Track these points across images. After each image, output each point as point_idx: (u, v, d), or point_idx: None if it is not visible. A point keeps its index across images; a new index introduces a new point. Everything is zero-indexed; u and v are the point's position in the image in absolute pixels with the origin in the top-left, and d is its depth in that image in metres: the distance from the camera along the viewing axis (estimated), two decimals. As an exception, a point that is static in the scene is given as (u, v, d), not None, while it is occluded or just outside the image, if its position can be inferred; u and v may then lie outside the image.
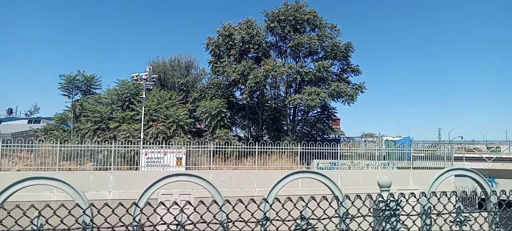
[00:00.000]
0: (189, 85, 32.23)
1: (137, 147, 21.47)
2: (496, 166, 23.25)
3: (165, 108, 26.49)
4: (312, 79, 27.47)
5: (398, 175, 21.97)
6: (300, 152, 22.52)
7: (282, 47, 30.81)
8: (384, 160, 24.78)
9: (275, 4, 33.09)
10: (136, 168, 21.02)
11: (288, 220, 2.65)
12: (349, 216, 2.88)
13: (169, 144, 22.05)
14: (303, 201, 2.71)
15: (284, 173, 3.51)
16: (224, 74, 28.70)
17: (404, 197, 2.95)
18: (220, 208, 2.65)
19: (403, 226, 3.00)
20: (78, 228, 2.67)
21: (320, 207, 2.71)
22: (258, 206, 2.65)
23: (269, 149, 22.39)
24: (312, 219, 2.81)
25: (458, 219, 3.16)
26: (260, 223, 2.64)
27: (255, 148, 21.75)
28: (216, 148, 22.15)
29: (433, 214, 3.06)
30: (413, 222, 3.00)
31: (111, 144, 20.11)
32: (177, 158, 21.66)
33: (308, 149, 22.51)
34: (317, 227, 2.77)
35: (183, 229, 2.48)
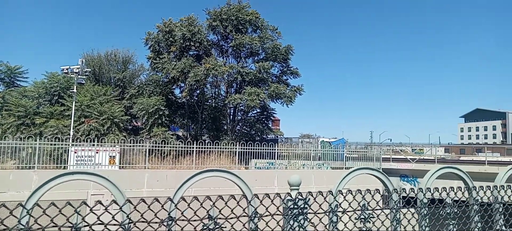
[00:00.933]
0: (126, 81, 31.01)
1: (66, 145, 20.16)
2: (418, 167, 25.02)
3: (99, 104, 25.21)
4: (253, 80, 27.72)
5: (331, 174, 22.88)
6: (239, 151, 22.62)
7: (223, 47, 30.75)
8: (319, 160, 25.67)
9: (218, 3, 32.91)
10: (65, 166, 19.74)
11: (194, 220, 2.60)
12: (258, 215, 2.90)
13: (102, 142, 20.97)
14: (210, 200, 2.69)
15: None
16: (163, 71, 28.00)
17: (312, 195, 3.04)
18: (121, 208, 2.53)
19: (310, 224, 3.09)
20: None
21: (228, 206, 2.69)
22: (162, 206, 2.57)
23: (207, 148, 22.22)
24: (220, 218, 2.79)
25: (362, 216, 3.33)
26: (164, 223, 2.57)
27: (193, 147, 21.47)
28: (153, 146, 21.52)
29: (339, 211, 3.19)
30: (320, 220, 3.11)
31: (36, 140, 18.68)
32: (111, 156, 20.70)
33: (246, 149, 22.67)
34: (225, 227, 2.76)
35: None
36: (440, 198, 3.78)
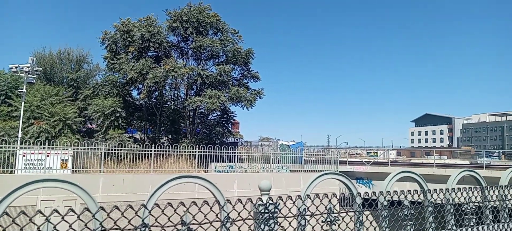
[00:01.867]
0: (80, 81, 29.74)
1: (13, 147, 18.99)
2: (373, 169, 26.12)
3: (51, 105, 23.96)
4: (213, 83, 27.61)
5: (290, 177, 23.31)
6: (198, 155, 22.43)
7: (183, 48, 30.38)
8: (278, 163, 26.06)
9: (178, 4, 32.49)
10: (12, 171, 18.57)
11: (168, 226, 2.61)
12: (230, 219, 2.96)
13: (53, 145, 19.93)
14: (184, 206, 2.70)
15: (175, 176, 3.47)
16: (120, 71, 27.16)
17: (282, 200, 3.14)
18: (93, 215, 2.48)
19: (280, 227, 3.19)
20: None
21: (201, 212, 2.73)
22: (136, 213, 2.55)
23: (166, 151, 21.84)
24: (193, 224, 2.81)
25: (328, 219, 3.48)
26: (138, 230, 2.55)
27: (151, 151, 21.02)
28: (108, 149, 20.80)
29: (307, 215, 3.32)
30: (289, 223, 3.22)
31: (-21, 143, 17.45)
32: (62, 160, 19.75)
33: (206, 152, 22.53)
34: (198, 232, 2.79)
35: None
36: (398, 200, 4.03)
